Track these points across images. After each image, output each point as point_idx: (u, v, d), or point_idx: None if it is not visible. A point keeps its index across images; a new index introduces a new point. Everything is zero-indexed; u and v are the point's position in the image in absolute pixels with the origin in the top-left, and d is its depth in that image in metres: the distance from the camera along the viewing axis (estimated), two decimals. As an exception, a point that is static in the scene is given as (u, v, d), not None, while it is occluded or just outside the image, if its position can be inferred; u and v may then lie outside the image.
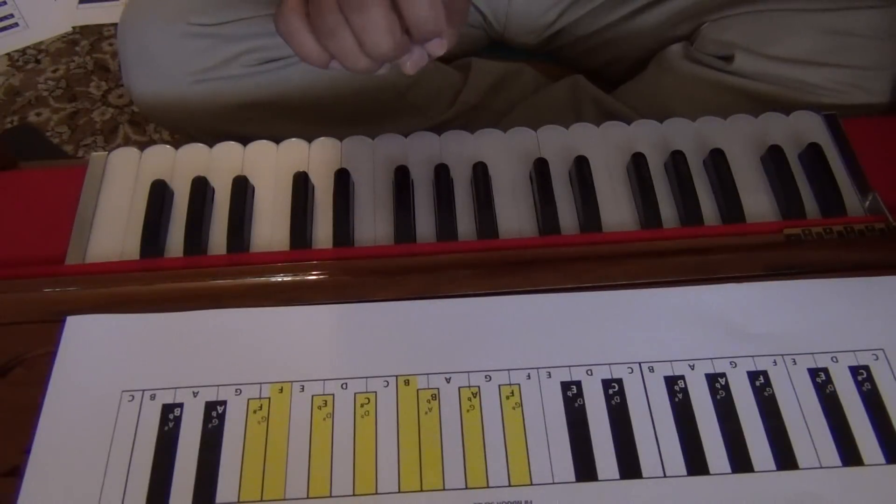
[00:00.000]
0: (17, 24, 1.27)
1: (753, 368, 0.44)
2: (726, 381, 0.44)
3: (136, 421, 0.43)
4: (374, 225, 0.53)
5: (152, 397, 0.44)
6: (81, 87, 1.22)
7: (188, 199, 0.52)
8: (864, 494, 0.40)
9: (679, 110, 0.58)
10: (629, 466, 0.41)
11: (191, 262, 0.50)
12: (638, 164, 0.53)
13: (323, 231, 0.52)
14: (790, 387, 0.44)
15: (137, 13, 0.68)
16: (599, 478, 0.41)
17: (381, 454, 0.42)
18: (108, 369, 0.45)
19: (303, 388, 0.44)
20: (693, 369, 0.44)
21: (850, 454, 0.41)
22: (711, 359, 0.45)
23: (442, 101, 0.76)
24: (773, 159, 0.53)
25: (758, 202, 0.53)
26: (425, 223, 0.52)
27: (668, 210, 0.52)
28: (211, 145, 0.57)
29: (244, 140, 0.57)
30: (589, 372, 0.44)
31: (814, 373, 0.44)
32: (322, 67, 0.44)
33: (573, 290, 0.48)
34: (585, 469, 0.41)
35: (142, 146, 0.57)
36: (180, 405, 0.43)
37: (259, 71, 0.68)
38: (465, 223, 0.52)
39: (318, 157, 0.56)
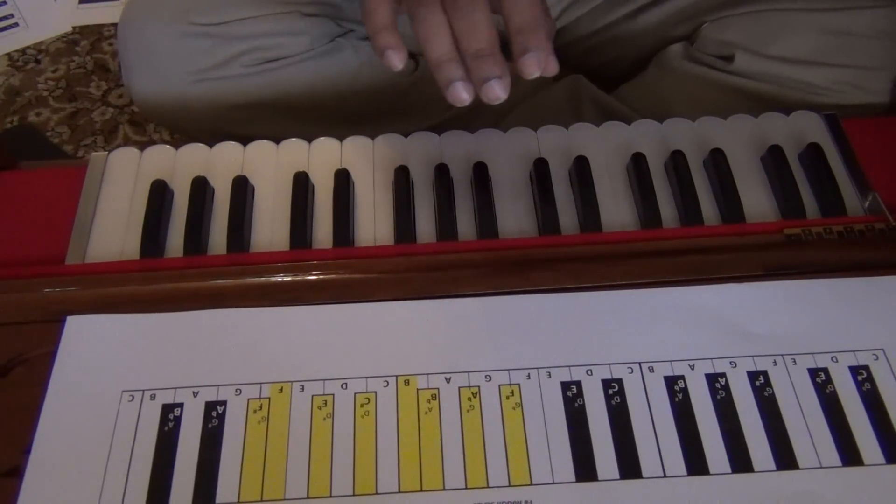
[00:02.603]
0: (17, 24, 1.27)
1: (753, 368, 0.44)
2: (726, 381, 0.44)
3: (136, 421, 0.43)
4: (374, 225, 0.53)
5: (152, 397, 0.44)
6: (81, 87, 1.22)
7: (188, 199, 0.52)
8: (864, 494, 0.40)
9: (679, 110, 0.58)
10: (629, 466, 0.41)
11: (191, 262, 0.50)
12: (638, 164, 0.53)
13: (323, 231, 0.52)
14: (790, 387, 0.44)
15: (137, 13, 0.68)
16: (599, 478, 0.41)
17: (381, 454, 0.42)
18: (108, 369, 0.45)
19: (303, 388, 0.44)
20: (693, 369, 0.44)
21: (850, 454, 0.41)
22: (711, 359, 0.45)
23: (442, 101, 0.76)
24: (773, 159, 0.53)
25: (758, 202, 0.53)
26: (425, 223, 0.52)
27: (668, 210, 0.52)
28: (211, 145, 0.57)
29: (244, 140, 0.57)
30: (589, 372, 0.44)
31: (814, 373, 0.44)
32: (395, 68, 0.42)
33: (573, 290, 0.48)
34: (585, 469, 0.41)
35: (142, 146, 0.57)
36: (180, 405, 0.43)
37: (259, 71, 0.68)
38: (465, 223, 0.52)
39: (318, 157, 0.56)
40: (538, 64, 0.40)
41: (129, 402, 0.44)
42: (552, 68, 0.42)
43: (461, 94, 0.42)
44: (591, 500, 0.40)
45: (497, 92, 0.41)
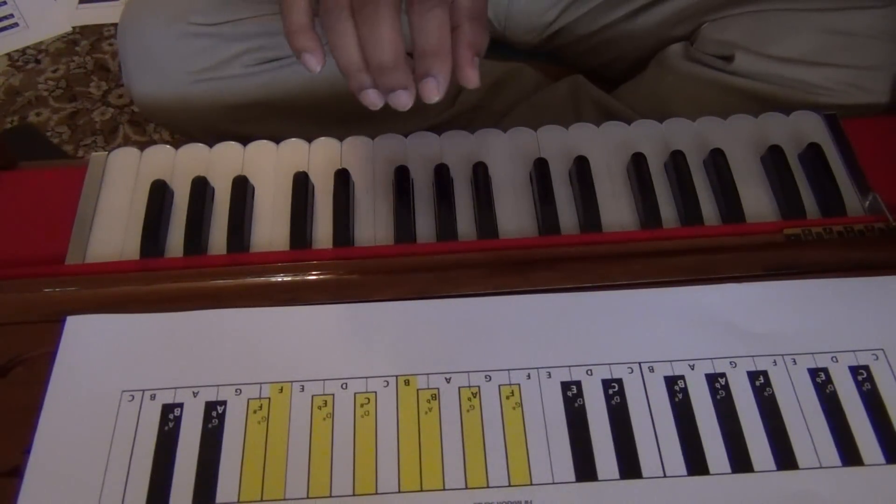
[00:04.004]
0: (17, 24, 1.27)
1: (753, 368, 0.44)
2: (726, 381, 0.44)
3: (136, 421, 0.43)
4: (374, 225, 0.53)
5: (152, 397, 0.44)
6: (81, 87, 1.22)
7: (188, 199, 0.52)
8: (864, 494, 0.40)
9: (679, 110, 0.58)
10: (629, 466, 0.41)
11: (191, 262, 0.50)
12: (638, 164, 0.53)
13: (323, 231, 0.52)
14: (790, 387, 0.44)
15: (137, 13, 0.68)
16: (599, 478, 0.41)
17: (381, 454, 0.42)
18: (108, 369, 0.45)
19: (303, 388, 0.44)
20: (693, 369, 0.44)
21: (850, 454, 0.42)
22: (711, 359, 0.45)
23: (442, 101, 0.76)
24: (773, 159, 0.53)
25: (758, 202, 0.53)
26: (425, 223, 0.52)
27: (668, 210, 0.52)
28: (211, 145, 0.57)
29: (244, 140, 0.57)
30: (589, 372, 0.44)
31: (814, 373, 0.44)
32: (312, 71, 0.43)
33: (573, 290, 0.48)
34: (585, 469, 0.41)
35: (142, 146, 0.57)
36: (180, 405, 0.43)
37: (259, 71, 0.68)
38: (465, 223, 0.52)
39: (318, 157, 0.56)
40: (437, 89, 0.41)
41: (129, 402, 0.44)
42: (471, 80, 0.42)
43: (373, 100, 0.42)
44: (591, 500, 0.40)
45: (403, 100, 0.41)
